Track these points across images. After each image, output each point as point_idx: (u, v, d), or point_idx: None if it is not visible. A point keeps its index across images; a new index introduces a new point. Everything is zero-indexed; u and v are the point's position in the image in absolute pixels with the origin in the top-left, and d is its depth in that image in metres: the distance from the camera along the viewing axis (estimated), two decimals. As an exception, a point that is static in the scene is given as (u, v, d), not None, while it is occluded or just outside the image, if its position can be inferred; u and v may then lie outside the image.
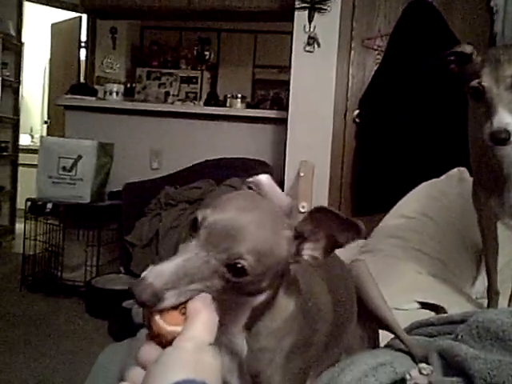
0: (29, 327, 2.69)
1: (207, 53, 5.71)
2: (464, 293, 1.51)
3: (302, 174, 2.26)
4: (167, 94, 5.37)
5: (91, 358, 2.37)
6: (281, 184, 3.06)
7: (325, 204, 3.02)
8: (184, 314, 0.53)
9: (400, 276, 1.43)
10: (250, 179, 0.67)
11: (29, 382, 2.09)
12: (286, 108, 3.28)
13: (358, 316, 0.85)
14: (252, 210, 0.59)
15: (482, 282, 1.53)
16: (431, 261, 1.54)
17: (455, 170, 1.86)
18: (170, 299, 0.52)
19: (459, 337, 0.75)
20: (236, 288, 0.57)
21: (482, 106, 1.11)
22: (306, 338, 0.69)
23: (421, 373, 0.72)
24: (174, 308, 0.53)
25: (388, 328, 0.83)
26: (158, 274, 0.52)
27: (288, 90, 3.22)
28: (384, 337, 0.91)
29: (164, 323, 0.52)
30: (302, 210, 2.21)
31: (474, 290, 1.55)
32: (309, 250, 0.61)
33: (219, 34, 5.96)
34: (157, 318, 0.53)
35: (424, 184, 1.80)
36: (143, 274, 0.52)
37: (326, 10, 3.15)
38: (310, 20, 3.17)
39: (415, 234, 1.60)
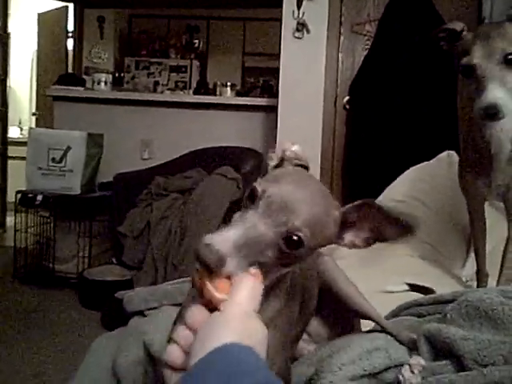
0: (22, 319, 2.68)
1: (196, 41, 5.66)
2: (454, 275, 1.52)
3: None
4: (156, 83, 5.33)
5: (85, 349, 2.36)
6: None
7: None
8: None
9: (390, 259, 1.44)
10: (291, 148, 0.69)
11: (24, 373, 2.09)
12: (276, 95, 3.26)
13: (333, 310, 0.88)
14: (308, 186, 0.61)
15: (471, 264, 1.53)
16: (422, 244, 1.55)
17: (444, 153, 1.86)
18: (232, 266, 0.54)
19: (448, 316, 0.75)
20: (282, 259, 0.58)
21: (472, 83, 1.11)
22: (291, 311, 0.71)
23: (412, 371, 0.72)
24: (227, 277, 0.54)
25: (368, 318, 0.84)
26: (223, 239, 0.53)
27: (278, 78, 3.21)
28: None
29: (215, 290, 0.53)
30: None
31: (464, 273, 1.56)
32: (350, 236, 0.63)
33: (208, 21, 5.91)
34: (208, 284, 0.54)
35: (413, 168, 1.80)
36: (208, 239, 0.53)
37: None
38: (299, 6, 3.15)
39: (406, 218, 1.60)
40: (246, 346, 0.47)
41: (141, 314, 1.24)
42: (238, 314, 0.51)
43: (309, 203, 0.58)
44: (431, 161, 1.82)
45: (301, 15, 3.12)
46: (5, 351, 2.28)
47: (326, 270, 0.86)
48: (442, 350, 0.73)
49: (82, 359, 2.22)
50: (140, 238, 3.04)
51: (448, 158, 1.82)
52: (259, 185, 0.60)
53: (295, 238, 0.56)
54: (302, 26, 3.14)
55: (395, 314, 0.90)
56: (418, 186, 1.69)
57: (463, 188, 1.42)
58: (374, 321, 0.85)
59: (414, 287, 1.18)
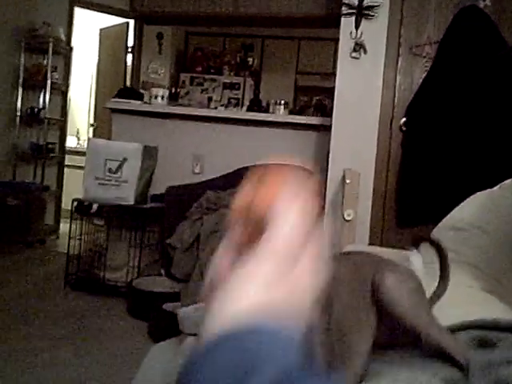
0: (71, 325, 2.74)
1: (250, 59, 5.74)
2: (517, 309, 1.44)
3: (348, 182, 2.23)
4: (210, 99, 5.43)
5: (131, 357, 2.41)
6: (323, 191, 3.03)
7: (368, 214, 2.98)
8: None
9: (449, 289, 1.38)
10: None
11: (70, 377, 2.13)
12: (329, 114, 3.25)
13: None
14: None
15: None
16: (484, 276, 1.48)
17: (509, 181, 1.79)
18: None
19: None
20: None
21: None
22: None
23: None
24: None
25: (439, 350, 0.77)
26: None
27: (332, 97, 3.20)
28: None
29: None
30: (348, 218, 2.18)
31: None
32: None
33: (263, 40, 6.00)
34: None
35: (476, 195, 1.74)
36: None
37: (373, 16, 3.12)
38: (357, 26, 3.14)
39: (467, 247, 1.54)
40: (277, 320, 0.34)
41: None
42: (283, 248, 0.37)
43: None
44: (494, 188, 1.75)
45: (359, 35, 3.11)
46: (54, 355, 2.33)
47: (384, 287, 0.74)
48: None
49: (129, 366, 2.25)
50: (189, 251, 3.07)
51: (512, 186, 1.75)
52: None
53: None
54: (359, 47, 3.12)
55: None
56: (481, 215, 1.62)
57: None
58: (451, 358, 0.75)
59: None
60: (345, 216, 2.11)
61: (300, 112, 3.82)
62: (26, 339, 2.48)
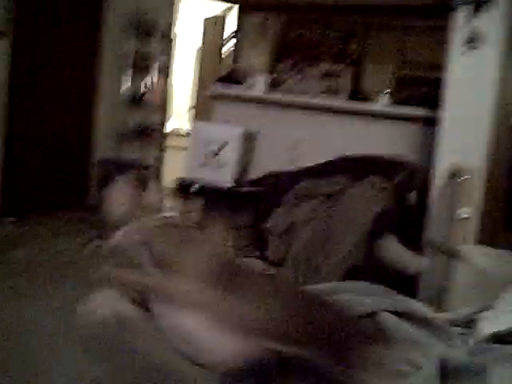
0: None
1: (351, 48, 5.62)
2: None
3: (464, 177, 2.13)
4: (307, 87, 5.40)
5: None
6: (425, 187, 2.93)
7: (476, 213, 2.83)
8: None
9: None
10: None
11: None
12: (436, 107, 3.12)
13: None
14: None
15: None
16: None
17: None
18: None
19: None
20: None
21: None
22: None
23: None
24: None
25: None
26: None
27: (440, 89, 3.07)
28: None
29: None
30: (463, 216, 2.09)
31: None
32: None
33: (365, 28, 5.84)
34: None
35: None
36: None
37: (490, 4, 2.94)
38: (473, 15, 2.98)
39: None
40: None
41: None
42: None
43: None
44: None
45: (474, 25, 2.95)
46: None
47: None
48: None
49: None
50: (284, 236, 3.11)
51: None
52: None
53: None
54: (474, 38, 2.97)
55: None
56: None
57: None
58: None
59: None
60: (460, 214, 2.02)
61: (404, 103, 3.69)
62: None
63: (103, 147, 5.11)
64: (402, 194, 2.90)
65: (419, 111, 3.36)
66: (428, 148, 3.15)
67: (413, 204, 2.98)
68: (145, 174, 4.78)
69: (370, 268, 2.81)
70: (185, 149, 3.83)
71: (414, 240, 3.03)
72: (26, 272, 2.96)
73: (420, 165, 3.14)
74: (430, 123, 3.20)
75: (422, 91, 3.76)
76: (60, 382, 1.81)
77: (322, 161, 3.50)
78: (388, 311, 1.16)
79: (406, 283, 2.97)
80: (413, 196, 3.04)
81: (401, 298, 1.27)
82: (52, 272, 3.02)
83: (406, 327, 1.11)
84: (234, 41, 5.62)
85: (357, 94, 4.07)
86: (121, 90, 5.21)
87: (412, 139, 3.39)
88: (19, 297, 2.56)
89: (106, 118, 5.10)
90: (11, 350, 1.99)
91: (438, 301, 2.45)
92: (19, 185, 4.26)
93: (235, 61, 5.32)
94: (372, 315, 1.15)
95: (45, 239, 3.75)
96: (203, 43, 6.23)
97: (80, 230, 3.86)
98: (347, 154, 3.46)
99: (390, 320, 1.13)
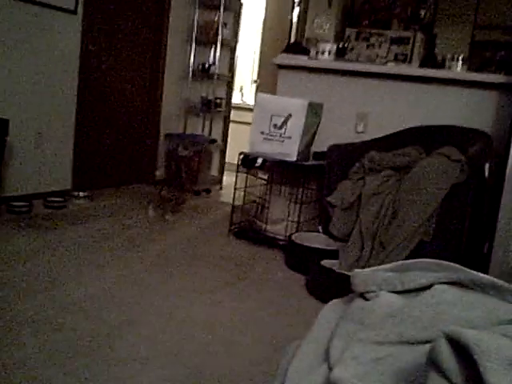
0: (234, 270, 2.91)
1: (422, 12, 5.34)
2: None
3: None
4: (375, 55, 5.20)
5: (289, 305, 2.49)
6: (502, 159, 2.75)
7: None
8: None
9: None
10: None
11: (233, 320, 2.26)
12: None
13: None
14: None
15: None
16: None
17: None
18: None
19: None
20: None
21: None
22: None
23: None
24: None
25: None
26: None
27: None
28: None
29: None
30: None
31: None
32: None
33: (437, -9, 5.52)
34: None
35: None
36: None
37: None
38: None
39: None
40: None
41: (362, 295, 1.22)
42: None
43: None
44: None
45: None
46: (216, 298, 2.50)
47: None
48: None
49: (285, 315, 2.33)
50: (349, 210, 3.04)
51: None
52: None
53: None
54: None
55: None
56: None
57: None
58: None
59: None
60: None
61: (480, 69, 3.46)
62: (191, 279, 2.70)
63: (169, 122, 5.19)
64: (477, 167, 2.74)
65: (495, 77, 3.14)
66: (505, 116, 2.95)
67: (488, 177, 2.82)
68: (211, 149, 4.90)
69: (439, 245, 2.70)
70: (249, 123, 3.81)
71: (489, 216, 2.87)
72: (99, 243, 3.08)
73: (497, 135, 2.95)
74: (508, 90, 2.99)
75: (498, 56, 3.51)
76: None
77: (391, 132, 3.38)
78: (449, 283, 1.10)
79: (477, 262, 2.84)
80: (488, 169, 2.87)
81: (469, 271, 1.20)
82: (124, 243, 3.14)
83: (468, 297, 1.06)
84: (298, 10, 5.49)
85: (429, 60, 3.85)
86: (188, 63, 5.25)
87: (488, 107, 3.19)
88: (99, 267, 2.67)
89: (172, 92, 5.17)
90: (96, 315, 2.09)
91: (509, 279, 2.32)
92: (89, 160, 4.43)
93: (299, 30, 5.19)
94: (429, 288, 1.10)
95: (114, 213, 3.88)
96: (266, 12, 6.13)
97: (149, 203, 3.97)
98: (418, 124, 3.32)
99: (446, 291, 1.08)
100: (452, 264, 1.27)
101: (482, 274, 1.17)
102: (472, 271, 1.20)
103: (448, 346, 0.71)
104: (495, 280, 1.12)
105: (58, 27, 3.83)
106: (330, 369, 0.96)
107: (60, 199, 3.79)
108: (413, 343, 0.97)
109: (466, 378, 0.68)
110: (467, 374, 0.68)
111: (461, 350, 0.69)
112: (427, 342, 0.92)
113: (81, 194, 4.04)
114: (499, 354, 0.66)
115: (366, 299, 1.19)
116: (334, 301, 1.29)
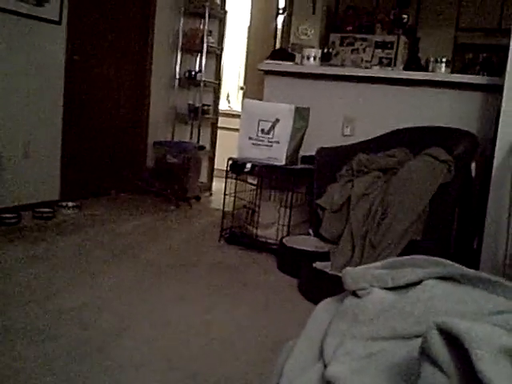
0: (226, 275, 2.92)
1: (405, 16, 5.42)
2: None
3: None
4: (360, 59, 5.27)
5: (282, 310, 2.50)
6: (488, 158, 2.80)
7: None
8: None
9: None
10: None
11: (229, 323, 2.27)
12: (498, 74, 2.96)
13: None
14: None
15: None
16: None
17: None
18: None
19: None
20: None
21: None
22: None
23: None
24: None
25: None
26: None
27: (502, 54, 2.90)
28: None
29: None
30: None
31: None
32: None
33: (419, -5, 5.62)
34: None
35: None
36: None
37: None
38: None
39: None
40: None
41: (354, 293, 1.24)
42: None
43: None
44: None
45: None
46: (210, 301, 2.51)
47: None
48: None
49: (279, 318, 2.34)
50: (339, 212, 3.07)
51: None
52: None
53: None
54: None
55: None
56: None
57: None
58: None
59: None
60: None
61: (463, 71, 3.52)
62: (185, 286, 2.70)
63: (157, 130, 5.20)
64: (463, 166, 2.78)
65: (479, 78, 3.20)
66: (489, 116, 3.00)
67: (474, 176, 2.86)
68: (200, 155, 4.91)
69: (429, 243, 2.74)
70: (236, 129, 3.83)
71: (477, 213, 2.92)
72: (90, 252, 3.08)
73: (481, 135, 3.00)
74: (491, 91, 3.05)
75: (481, 58, 3.58)
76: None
77: (378, 134, 3.41)
78: (439, 278, 1.13)
79: (467, 258, 2.88)
80: (474, 168, 2.92)
81: (459, 266, 1.23)
82: (114, 252, 3.13)
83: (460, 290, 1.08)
84: (282, 17, 5.55)
85: (413, 63, 3.91)
86: (174, 71, 5.27)
87: (472, 108, 3.24)
88: (92, 275, 2.67)
89: (159, 100, 5.18)
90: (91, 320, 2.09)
91: (500, 274, 2.36)
92: (77, 170, 4.42)
93: (284, 36, 5.24)
94: (419, 283, 1.12)
95: (103, 222, 3.88)
96: (251, 19, 6.17)
97: (138, 212, 3.97)
98: (404, 126, 3.36)
99: (436, 286, 1.11)
100: (441, 259, 1.30)
101: (470, 269, 1.20)
102: (460, 266, 1.23)
103: (439, 337, 0.73)
104: (483, 274, 1.15)
105: (42, 38, 3.83)
106: (325, 366, 0.98)
107: (48, 210, 3.77)
108: (406, 338, 0.99)
109: (458, 366, 0.70)
110: (459, 363, 0.70)
111: (452, 340, 0.70)
112: (420, 336, 0.94)
113: (69, 203, 4.03)
114: (490, 342, 0.68)
115: (358, 296, 1.21)
116: (327, 300, 1.31)
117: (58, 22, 3.92)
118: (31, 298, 2.31)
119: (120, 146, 4.85)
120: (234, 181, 3.57)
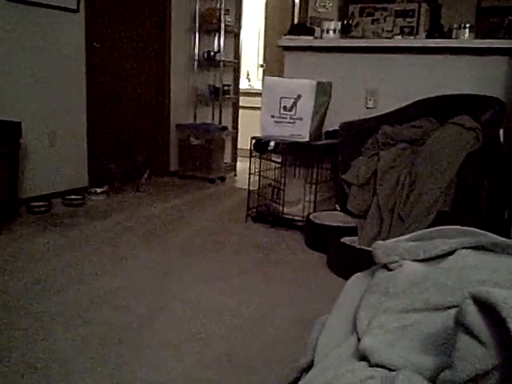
0: (256, 254, 2.94)
1: (426, -19, 5.25)
2: None
3: None
4: (380, 29, 5.14)
5: (312, 286, 2.51)
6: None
7: None
8: None
9: None
10: None
11: (264, 303, 2.30)
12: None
13: None
14: None
15: None
16: None
17: None
18: None
19: None
20: None
21: None
22: None
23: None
24: None
25: None
26: None
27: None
28: None
29: None
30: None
31: None
32: None
33: (440, -42, 5.42)
34: None
35: None
36: None
37: None
38: None
39: None
40: None
41: (385, 266, 1.24)
42: None
43: None
44: None
45: None
46: (242, 281, 2.53)
47: None
48: None
49: (308, 294, 2.35)
50: (365, 187, 3.04)
51: None
52: None
53: None
54: None
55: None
56: None
57: None
58: None
59: None
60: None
61: (487, 36, 3.41)
62: (215, 266, 2.73)
63: (179, 112, 5.21)
64: (491, 133, 2.72)
65: (504, 43, 3.10)
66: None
67: (503, 143, 2.80)
68: (223, 136, 4.89)
69: (458, 215, 2.70)
70: (258, 108, 3.81)
71: (507, 181, 2.86)
72: (120, 236, 3.13)
73: (509, 100, 2.92)
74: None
75: (506, 21, 3.45)
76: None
77: (402, 105, 3.35)
78: (471, 248, 1.12)
79: (498, 229, 2.83)
80: (502, 134, 2.85)
81: (490, 235, 1.21)
82: (144, 234, 3.18)
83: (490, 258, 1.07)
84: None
85: (435, 30, 3.80)
86: (193, 52, 5.25)
87: (498, 73, 3.15)
88: (123, 259, 2.72)
89: (179, 83, 5.17)
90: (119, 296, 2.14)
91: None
92: (103, 156, 4.47)
93: (302, 10, 5.15)
94: (451, 254, 1.11)
95: (131, 206, 3.93)
96: (269, -4, 6.08)
97: (165, 195, 4.00)
98: (429, 95, 3.29)
99: (469, 256, 1.10)
100: (471, 229, 1.28)
101: (501, 238, 1.18)
102: (492, 234, 1.21)
103: (475, 307, 0.72)
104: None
105: (61, 27, 3.85)
106: (359, 339, 0.98)
107: (78, 196, 3.84)
108: (439, 309, 0.98)
109: (494, 336, 0.69)
110: (496, 333, 0.69)
111: (488, 309, 0.70)
112: (454, 306, 0.94)
113: (98, 189, 4.09)
114: (527, 311, 0.66)
115: (389, 270, 1.20)
116: (357, 274, 1.31)
117: (76, 10, 3.93)
118: (66, 283, 2.37)
119: (144, 131, 4.88)
120: (259, 160, 3.56)
